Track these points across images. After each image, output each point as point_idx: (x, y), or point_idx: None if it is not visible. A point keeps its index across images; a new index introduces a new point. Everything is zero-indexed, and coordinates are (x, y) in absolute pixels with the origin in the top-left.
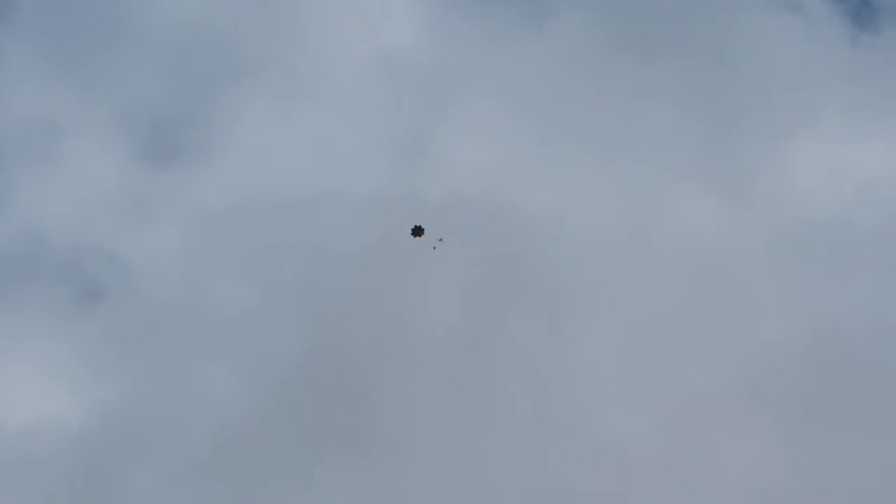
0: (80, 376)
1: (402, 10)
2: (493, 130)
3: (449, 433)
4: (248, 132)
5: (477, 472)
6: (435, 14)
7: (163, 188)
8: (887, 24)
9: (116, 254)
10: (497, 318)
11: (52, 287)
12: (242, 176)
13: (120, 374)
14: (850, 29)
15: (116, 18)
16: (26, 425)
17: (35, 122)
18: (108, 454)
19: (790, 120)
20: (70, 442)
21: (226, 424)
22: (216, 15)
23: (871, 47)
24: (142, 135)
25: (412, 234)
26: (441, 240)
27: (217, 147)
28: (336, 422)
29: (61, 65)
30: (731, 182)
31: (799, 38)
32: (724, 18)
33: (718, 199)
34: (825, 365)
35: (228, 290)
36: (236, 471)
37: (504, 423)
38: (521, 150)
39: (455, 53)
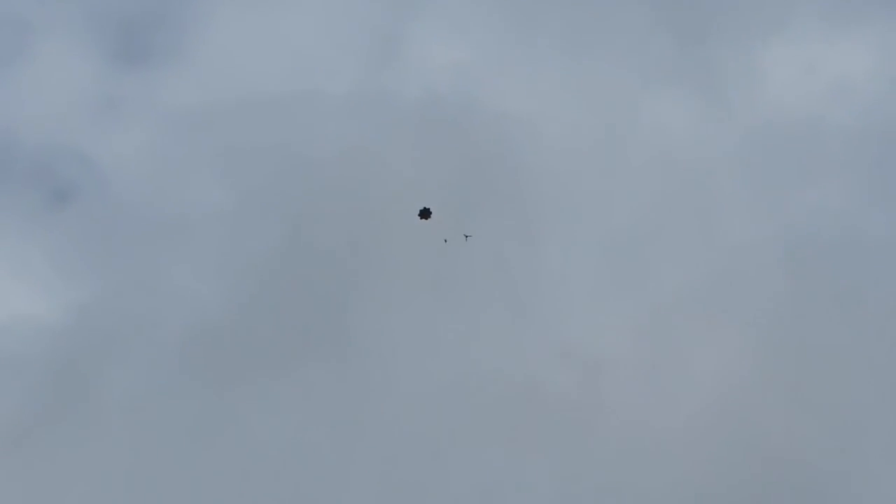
0: (54, 276)
1: None
2: (467, 29)
3: (423, 333)
4: (220, 32)
5: (450, 371)
6: None
7: (134, 88)
8: None
9: (87, 154)
10: (470, 218)
11: (23, 188)
12: (215, 76)
13: (94, 273)
14: None
15: None
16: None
17: (4, 20)
18: (84, 352)
19: (764, 20)
20: (44, 340)
21: (200, 323)
22: None
23: None
24: (113, 34)
25: (419, 216)
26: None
27: (189, 47)
28: (311, 321)
29: None
30: (705, 82)
31: None
32: None
33: (691, 99)
34: (798, 266)
35: (201, 191)
36: (211, 369)
37: (478, 324)
38: (494, 50)
39: None
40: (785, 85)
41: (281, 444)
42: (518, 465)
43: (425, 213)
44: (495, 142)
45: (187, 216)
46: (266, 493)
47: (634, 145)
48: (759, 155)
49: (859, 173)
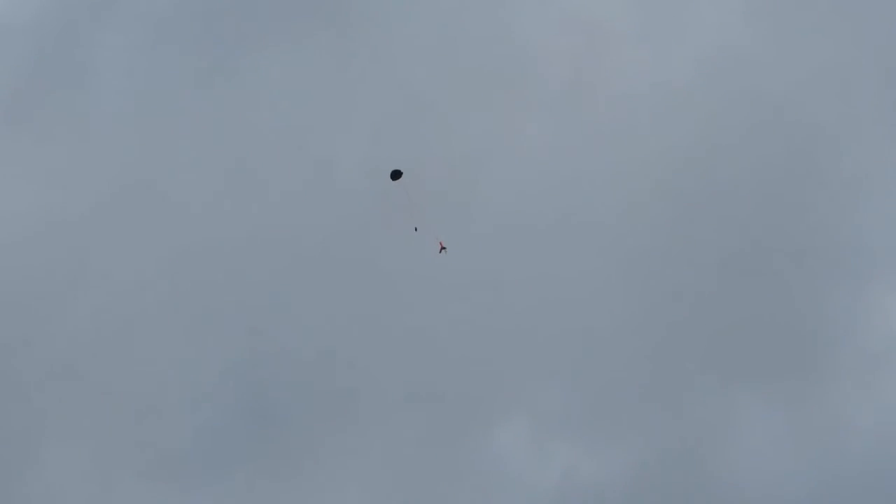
0: None
1: None
2: None
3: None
4: None
5: (447, 35)
6: None
7: None
8: None
9: None
10: None
11: None
12: None
13: None
14: None
15: None
16: None
17: None
18: (74, 14)
19: None
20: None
21: None
22: None
23: None
24: None
25: (391, 177)
26: (444, 249)
27: None
28: None
29: None
30: None
31: None
32: None
33: None
34: None
35: None
36: (209, 25)
37: None
38: None
39: None
40: None
41: (279, 101)
42: (514, 129)
43: (396, 175)
44: None
45: None
46: (260, 150)
47: None
48: None
49: None
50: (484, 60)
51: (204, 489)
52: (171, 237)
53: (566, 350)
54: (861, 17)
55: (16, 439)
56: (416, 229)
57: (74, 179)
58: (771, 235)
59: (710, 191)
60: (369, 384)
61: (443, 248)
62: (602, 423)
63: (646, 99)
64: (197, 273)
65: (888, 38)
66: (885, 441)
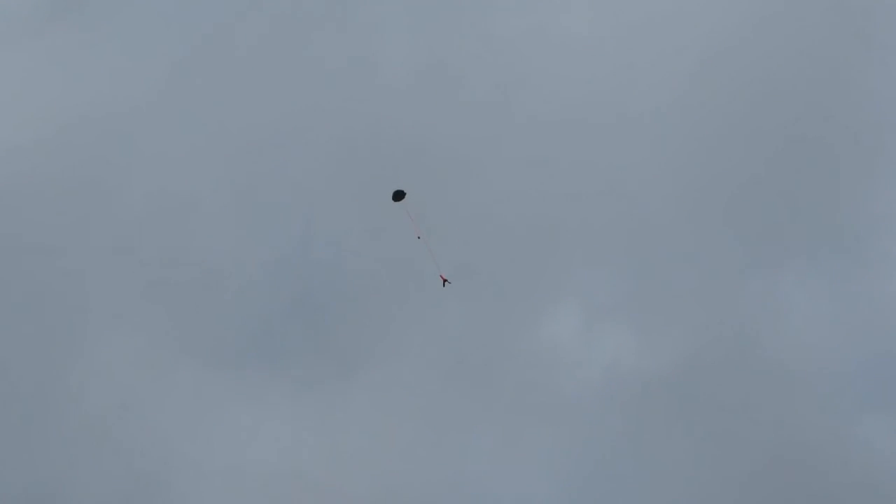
0: None
1: None
2: None
3: None
4: None
5: None
6: None
7: None
8: None
9: None
10: None
11: None
12: None
13: None
14: None
15: None
16: None
17: None
18: None
19: None
20: None
21: None
22: None
23: None
24: None
25: (393, 199)
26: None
27: None
28: None
29: None
30: None
31: None
32: None
33: None
34: None
35: None
36: None
37: None
38: None
39: None
40: None
41: None
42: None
43: (399, 195)
44: None
45: None
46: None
47: None
48: None
49: None
50: None
51: (259, 375)
52: (222, 124)
53: (617, 237)
54: None
55: (70, 322)
56: (419, 238)
57: (123, 67)
58: (818, 114)
59: (757, 72)
60: (422, 268)
61: (445, 281)
62: (651, 308)
63: None
64: (248, 159)
65: None
66: None
